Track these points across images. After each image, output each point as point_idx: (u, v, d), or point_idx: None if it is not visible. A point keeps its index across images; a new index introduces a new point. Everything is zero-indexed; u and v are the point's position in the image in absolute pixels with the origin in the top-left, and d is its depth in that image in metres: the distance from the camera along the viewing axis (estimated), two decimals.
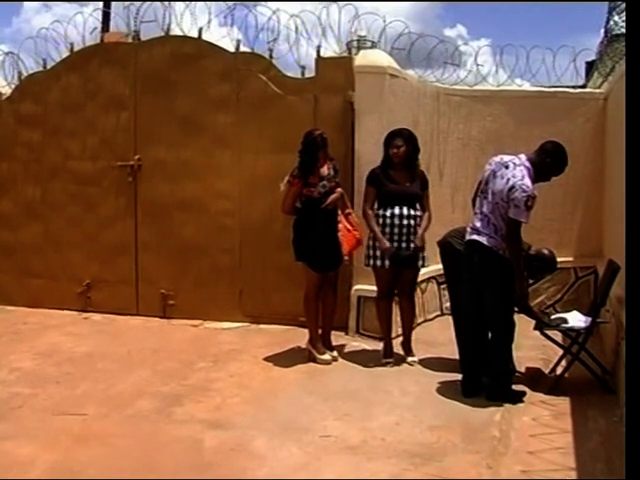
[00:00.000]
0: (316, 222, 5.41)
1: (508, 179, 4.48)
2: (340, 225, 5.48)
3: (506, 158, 4.65)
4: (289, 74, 6.63)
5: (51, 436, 4.05)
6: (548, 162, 4.62)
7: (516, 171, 4.51)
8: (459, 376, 4.88)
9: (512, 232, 4.50)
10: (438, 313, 6.95)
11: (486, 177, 4.70)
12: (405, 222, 5.33)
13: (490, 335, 4.69)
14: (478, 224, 4.66)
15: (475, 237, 4.65)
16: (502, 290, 4.58)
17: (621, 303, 4.81)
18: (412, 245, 5.34)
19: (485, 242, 4.57)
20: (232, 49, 6.70)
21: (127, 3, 6.99)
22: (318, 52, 6.46)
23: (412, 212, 5.38)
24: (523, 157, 4.61)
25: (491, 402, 4.54)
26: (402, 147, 5.39)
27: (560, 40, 7.71)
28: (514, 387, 4.74)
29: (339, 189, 5.54)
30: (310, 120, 6.10)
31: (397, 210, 5.34)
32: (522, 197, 4.39)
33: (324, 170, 5.44)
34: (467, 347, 4.88)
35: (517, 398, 4.61)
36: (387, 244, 5.30)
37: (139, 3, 6.82)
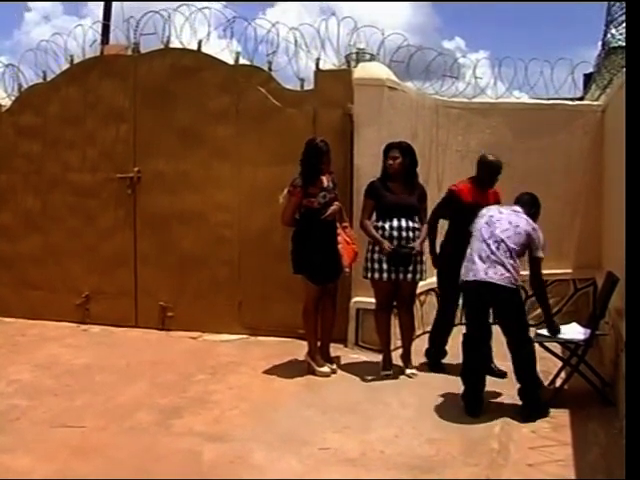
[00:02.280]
0: (315, 233, 5.41)
1: (517, 225, 4.69)
2: (339, 237, 5.47)
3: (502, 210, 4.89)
4: (288, 86, 6.66)
5: (49, 448, 4.03)
6: (534, 212, 4.88)
7: (520, 218, 4.74)
8: (458, 388, 4.87)
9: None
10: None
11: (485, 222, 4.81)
12: (404, 234, 5.33)
13: (514, 357, 4.67)
14: (486, 265, 4.66)
15: (484, 277, 4.61)
16: (520, 316, 4.70)
17: (620, 315, 4.81)
18: (411, 248, 5.33)
19: (499, 282, 4.58)
20: (231, 61, 6.72)
21: (127, 13, 7.04)
22: (317, 65, 6.49)
23: (411, 224, 5.37)
24: (519, 209, 4.83)
25: (527, 419, 4.49)
26: (398, 159, 5.41)
27: (558, 53, 7.81)
28: (514, 399, 4.74)
29: (337, 202, 5.54)
30: (309, 132, 6.10)
31: (395, 222, 5.34)
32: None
33: (324, 181, 5.46)
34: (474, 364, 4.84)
35: (546, 411, 4.61)
36: (387, 244, 5.28)
37: (139, 15, 6.86)
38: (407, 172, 5.46)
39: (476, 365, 4.78)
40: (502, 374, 5.29)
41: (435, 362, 5.71)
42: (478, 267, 4.62)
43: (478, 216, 4.87)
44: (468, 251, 4.77)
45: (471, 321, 4.84)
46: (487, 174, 5.59)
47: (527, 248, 4.68)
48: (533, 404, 4.59)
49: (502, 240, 4.62)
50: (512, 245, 4.60)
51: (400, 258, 5.29)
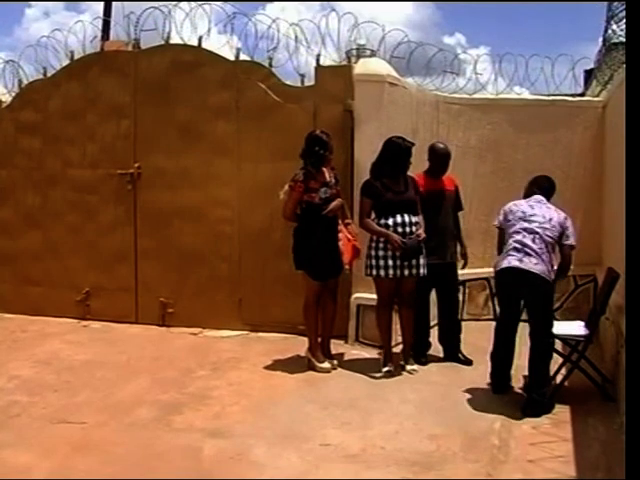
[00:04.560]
0: (316, 228, 5.40)
1: (551, 218, 4.80)
2: (341, 234, 5.46)
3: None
4: (288, 82, 6.65)
5: (49, 444, 4.04)
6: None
7: (550, 210, 4.87)
8: (459, 384, 4.87)
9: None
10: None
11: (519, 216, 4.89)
12: (408, 229, 5.31)
13: (532, 348, 4.72)
14: (520, 255, 4.77)
15: (518, 265, 4.72)
16: (547, 308, 4.78)
17: (621, 311, 4.81)
18: (417, 235, 5.34)
19: (531, 269, 4.67)
20: (232, 57, 6.72)
21: (127, 9, 7.01)
22: (317, 61, 6.48)
23: (413, 219, 5.37)
24: (543, 199, 4.97)
25: (531, 414, 4.51)
26: None
27: (559, 49, 7.80)
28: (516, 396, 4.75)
29: (339, 199, 5.54)
30: (309, 128, 6.06)
31: (399, 218, 5.32)
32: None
33: (326, 175, 5.45)
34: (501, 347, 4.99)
35: (550, 407, 4.62)
36: (398, 238, 5.24)
37: (139, 11, 6.85)
38: None
39: (504, 348, 4.93)
40: (468, 362, 5.70)
41: (415, 354, 5.72)
42: (513, 257, 4.76)
43: (508, 213, 4.96)
44: (505, 247, 4.88)
45: (503, 308, 5.02)
46: (437, 161, 5.78)
47: (560, 238, 4.78)
48: (539, 399, 4.60)
49: (537, 233, 4.76)
50: (547, 238, 4.74)
51: (411, 251, 5.30)
